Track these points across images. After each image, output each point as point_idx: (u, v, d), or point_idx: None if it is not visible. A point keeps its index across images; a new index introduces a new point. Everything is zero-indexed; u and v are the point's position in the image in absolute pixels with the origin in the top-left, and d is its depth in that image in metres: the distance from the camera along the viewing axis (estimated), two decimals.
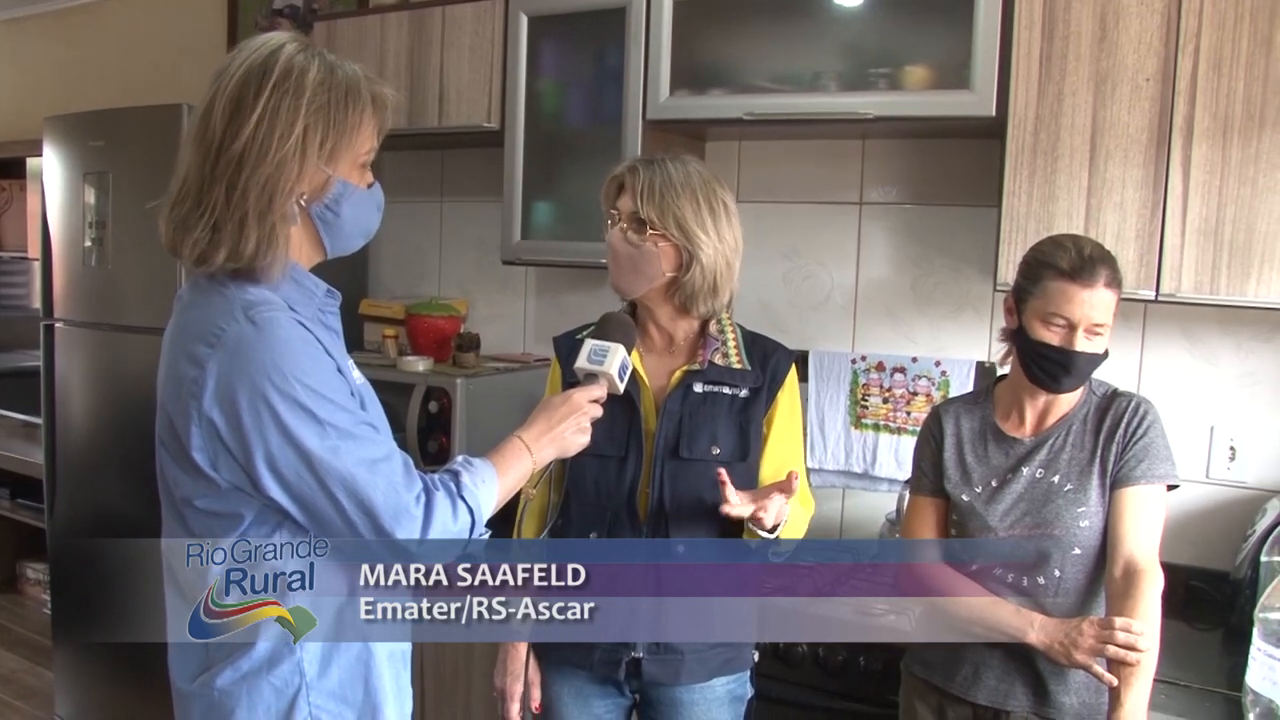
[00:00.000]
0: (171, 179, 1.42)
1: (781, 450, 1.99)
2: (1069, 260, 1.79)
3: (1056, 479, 1.88)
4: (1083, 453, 1.88)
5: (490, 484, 1.50)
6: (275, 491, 1.35)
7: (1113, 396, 1.91)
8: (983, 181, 2.65)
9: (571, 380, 1.82)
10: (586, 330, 2.00)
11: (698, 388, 1.93)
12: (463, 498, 1.45)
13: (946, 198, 2.78)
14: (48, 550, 3.87)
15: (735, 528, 1.92)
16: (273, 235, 1.37)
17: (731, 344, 1.97)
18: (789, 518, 1.82)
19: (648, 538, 1.91)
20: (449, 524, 1.42)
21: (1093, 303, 1.78)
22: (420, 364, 3.11)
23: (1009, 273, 2.28)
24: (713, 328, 1.98)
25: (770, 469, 1.96)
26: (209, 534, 1.41)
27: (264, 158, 1.35)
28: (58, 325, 3.66)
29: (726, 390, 1.94)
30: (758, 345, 2.00)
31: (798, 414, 2.02)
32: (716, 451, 1.91)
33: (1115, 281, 1.80)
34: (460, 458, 1.53)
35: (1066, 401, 1.91)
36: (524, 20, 2.95)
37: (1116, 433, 1.86)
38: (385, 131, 1.49)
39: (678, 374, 1.95)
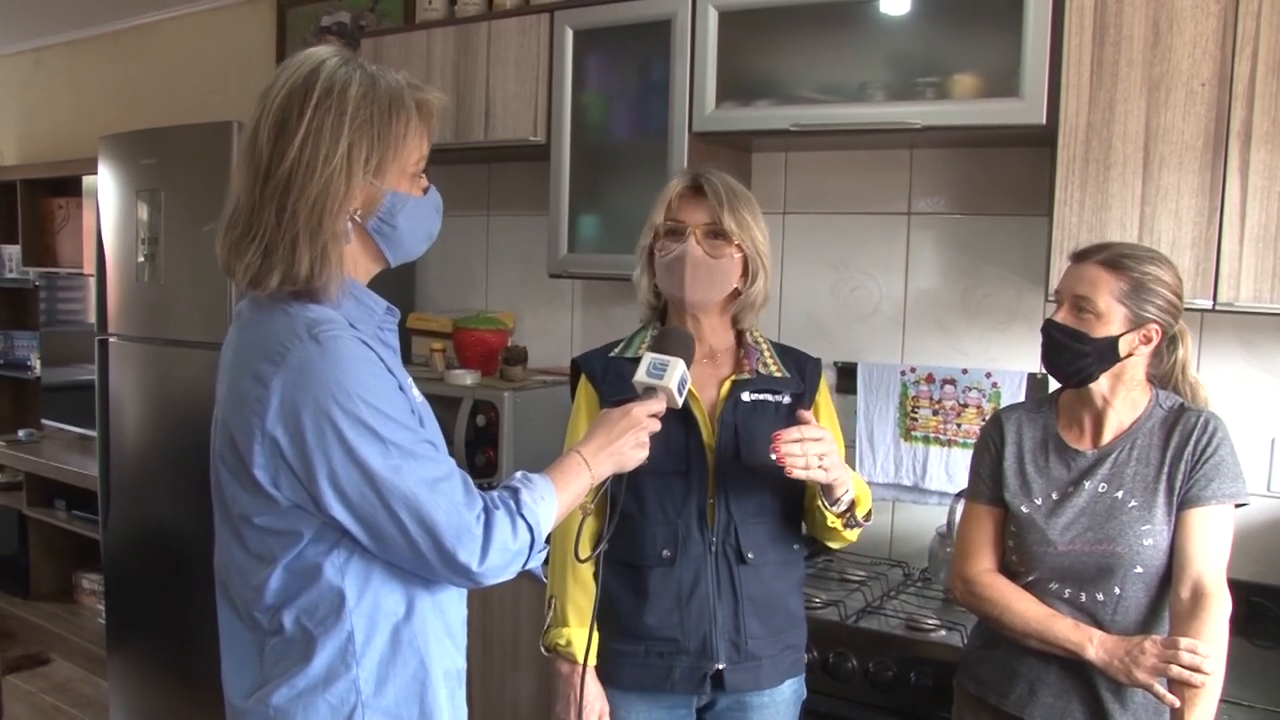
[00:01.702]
0: (225, 200, 1.43)
1: None
2: (1076, 250, 1.88)
3: (1120, 494, 1.84)
4: (1148, 469, 1.84)
5: (549, 501, 1.50)
6: (337, 510, 1.35)
7: (1180, 411, 1.86)
8: (1033, 190, 2.62)
9: (614, 398, 1.83)
10: (616, 348, 2.02)
11: (746, 396, 1.96)
12: (522, 515, 1.44)
13: (996, 207, 2.75)
14: (102, 561, 3.92)
15: (798, 516, 2.01)
16: (325, 255, 1.37)
17: (767, 353, 2.02)
18: (855, 491, 1.90)
19: (719, 548, 1.93)
20: (509, 542, 1.42)
21: (1078, 276, 1.83)
22: (468, 377, 3.12)
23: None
24: (749, 338, 2.02)
25: None
26: (266, 551, 1.41)
27: (310, 178, 1.35)
28: (111, 340, 3.71)
29: (771, 398, 1.97)
30: (789, 354, 2.06)
31: (835, 415, 2.08)
32: (774, 458, 1.90)
33: (1114, 265, 1.80)
34: (519, 474, 1.52)
35: (1125, 411, 1.87)
36: (569, 34, 2.96)
37: (1185, 450, 1.82)
38: (434, 135, 1.48)
39: (727, 384, 1.97)
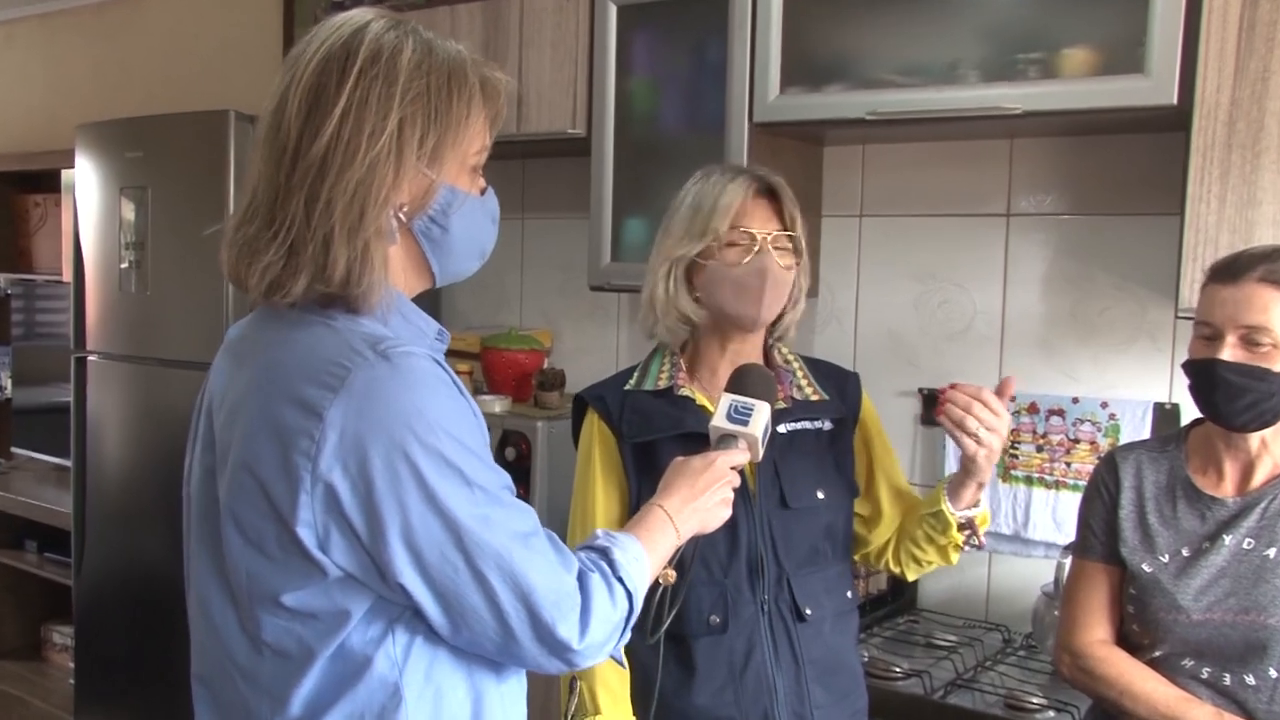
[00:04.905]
0: (236, 197, 1.36)
1: (893, 468, 2.07)
2: (1221, 262, 1.77)
3: (1272, 552, 1.76)
4: None
5: (641, 562, 1.41)
6: (408, 575, 1.21)
7: None
8: (1160, 185, 2.56)
9: (638, 439, 1.86)
10: (630, 379, 1.98)
11: (782, 429, 1.91)
12: (620, 579, 1.36)
13: (1115, 205, 2.69)
14: (73, 613, 3.91)
15: (849, 559, 2.02)
16: (366, 255, 1.25)
17: (800, 375, 2.00)
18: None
19: (772, 606, 1.88)
20: (609, 612, 1.33)
21: (1237, 300, 1.71)
22: (497, 404, 3.16)
23: (1194, 295, 2.15)
24: (778, 359, 2.01)
25: (886, 487, 2.04)
26: (294, 642, 1.26)
27: (351, 161, 1.23)
28: (90, 358, 3.72)
29: (809, 426, 1.96)
30: (824, 371, 2.05)
31: (886, 436, 2.09)
32: (822, 496, 1.93)
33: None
34: (601, 532, 1.44)
35: (1279, 451, 1.78)
36: (612, 10, 2.96)
37: None
38: (499, 125, 1.39)
39: None
